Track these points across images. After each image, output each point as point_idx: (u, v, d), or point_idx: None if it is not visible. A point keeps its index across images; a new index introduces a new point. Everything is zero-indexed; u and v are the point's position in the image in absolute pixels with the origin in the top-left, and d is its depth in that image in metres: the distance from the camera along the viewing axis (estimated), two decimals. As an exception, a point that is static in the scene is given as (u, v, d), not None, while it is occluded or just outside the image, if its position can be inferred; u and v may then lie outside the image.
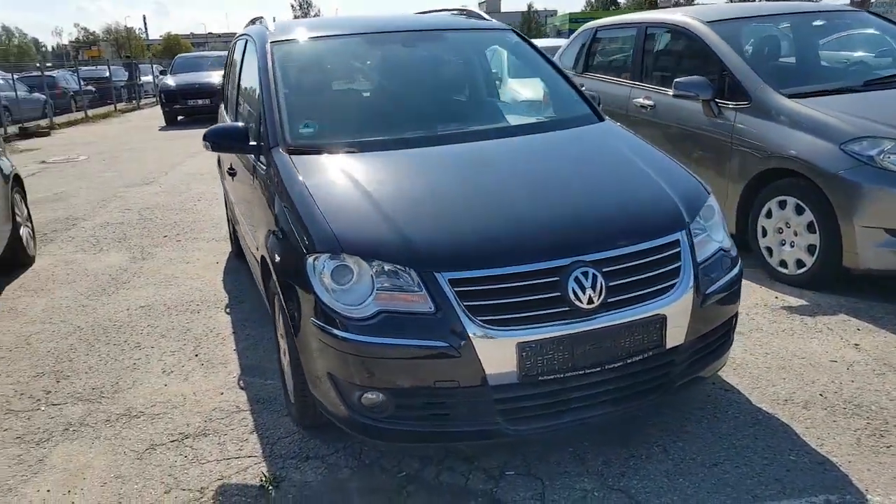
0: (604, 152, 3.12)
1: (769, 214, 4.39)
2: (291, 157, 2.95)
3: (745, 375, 3.19)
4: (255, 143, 3.22)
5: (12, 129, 16.42)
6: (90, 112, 21.67)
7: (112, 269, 5.36)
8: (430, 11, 4.75)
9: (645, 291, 2.43)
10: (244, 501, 2.50)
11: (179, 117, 17.69)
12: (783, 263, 4.34)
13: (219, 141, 3.27)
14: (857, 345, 3.43)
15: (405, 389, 2.34)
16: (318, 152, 3.00)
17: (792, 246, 4.27)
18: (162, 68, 25.02)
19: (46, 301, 4.69)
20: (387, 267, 2.34)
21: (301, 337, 2.52)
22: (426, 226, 2.46)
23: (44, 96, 19.94)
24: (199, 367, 3.60)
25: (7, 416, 3.17)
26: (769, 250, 4.43)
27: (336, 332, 2.32)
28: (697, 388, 3.03)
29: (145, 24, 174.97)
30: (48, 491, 2.60)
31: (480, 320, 2.27)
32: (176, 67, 19.35)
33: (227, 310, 4.39)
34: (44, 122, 18.14)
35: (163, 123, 17.49)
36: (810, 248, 4.15)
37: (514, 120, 3.50)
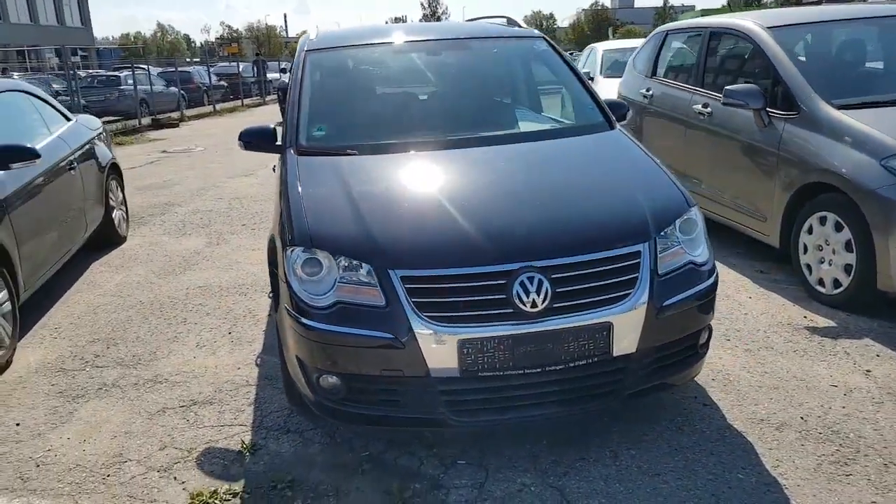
0: (594, 161, 3.17)
1: (811, 230, 4.22)
2: (300, 157, 3.23)
3: (731, 391, 3.14)
4: (280, 143, 3.52)
5: (146, 121, 18.03)
6: (219, 106, 23.37)
7: (187, 252, 5.91)
8: (477, 18, 4.91)
9: (594, 299, 2.50)
10: (221, 463, 2.80)
11: (294, 113, 18.69)
12: (821, 282, 4.16)
13: (250, 140, 3.60)
14: (868, 371, 3.28)
15: (356, 375, 2.55)
16: (324, 154, 3.26)
17: (830, 264, 4.09)
18: (284, 66, 26.51)
19: (122, 277, 5.27)
20: (351, 262, 2.55)
21: (280, 322, 2.79)
22: (390, 226, 2.65)
23: (178, 90, 21.68)
24: (228, 343, 3.97)
25: (58, 374, 3.66)
26: (809, 268, 4.26)
27: (302, 319, 2.56)
28: (672, 397, 3.06)
29: (286, 22, 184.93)
30: (68, 438, 3.03)
31: (426, 316, 2.43)
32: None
33: (271, 294, 4.75)
34: (175, 115, 19.78)
35: (280, 119, 18.55)
36: (847, 268, 3.96)
37: (525, 127, 3.60)
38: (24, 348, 4.01)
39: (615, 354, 2.54)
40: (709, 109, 5.24)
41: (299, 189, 2.93)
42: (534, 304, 2.44)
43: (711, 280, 2.76)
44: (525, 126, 3.59)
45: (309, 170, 3.10)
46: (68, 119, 5.71)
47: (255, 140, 3.59)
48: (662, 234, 2.69)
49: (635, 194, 2.83)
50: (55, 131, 5.22)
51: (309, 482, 2.65)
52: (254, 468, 2.76)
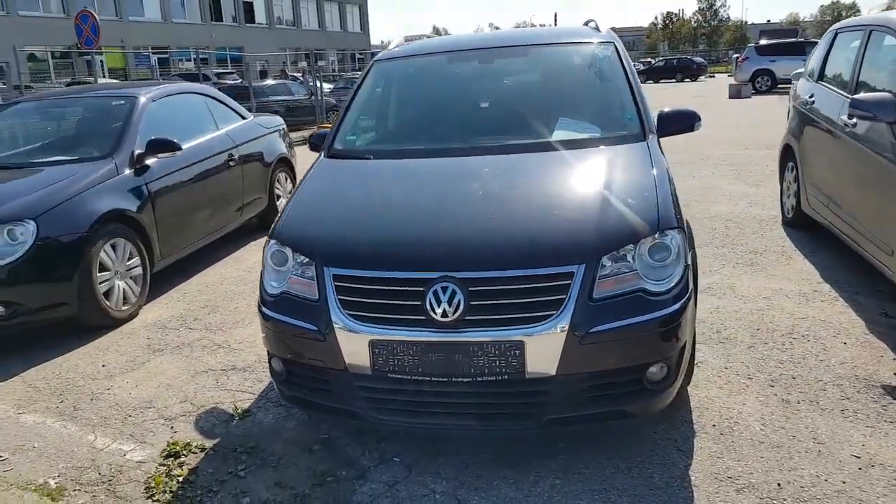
0: (585, 175, 2.99)
1: (930, 271, 3.49)
2: (327, 160, 3.54)
3: (723, 442, 2.79)
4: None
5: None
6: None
7: (328, 239, 6.56)
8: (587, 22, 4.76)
9: (508, 316, 2.45)
10: (212, 421, 3.22)
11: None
12: (936, 335, 3.42)
13: (314, 142, 3.98)
14: (919, 448, 2.68)
15: (290, 360, 2.79)
16: (348, 157, 3.52)
17: (946, 314, 3.35)
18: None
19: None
20: (303, 258, 2.79)
21: None
22: (339, 227, 2.83)
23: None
24: (297, 323, 4.42)
25: (159, 330, 4.41)
26: (926, 316, 3.52)
27: (261, 307, 2.87)
28: (652, 436, 2.84)
29: (555, 20, 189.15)
30: (127, 382, 3.68)
31: (347, 314, 2.58)
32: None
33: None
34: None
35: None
36: (962, 321, 3.22)
37: (556, 136, 3.49)
38: (154, 306, 4.87)
39: (529, 376, 2.45)
40: (853, 121, 4.50)
41: (300, 189, 3.24)
42: (444, 314, 2.46)
43: (664, 312, 2.50)
44: (557, 135, 3.47)
45: (321, 172, 3.39)
46: (243, 118, 6.66)
47: (316, 142, 3.94)
48: (615, 255, 2.52)
49: (597, 213, 2.67)
50: (222, 128, 6.14)
51: (264, 451, 2.95)
52: (234, 431, 3.14)
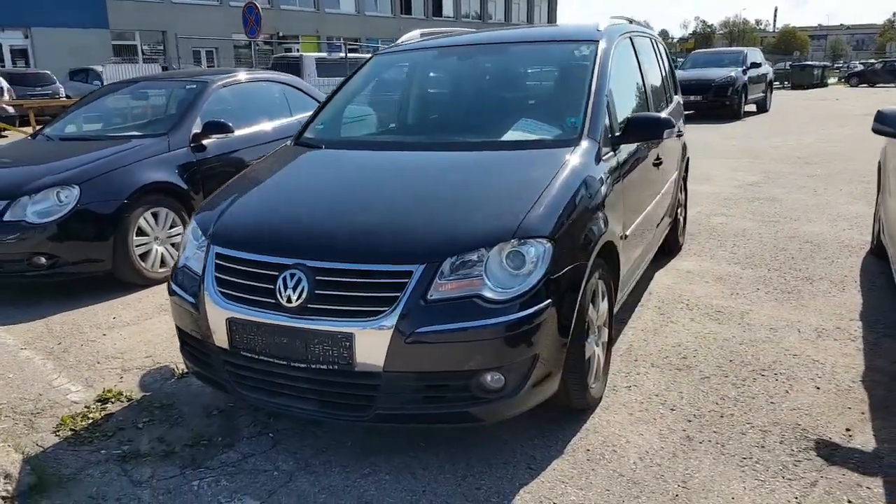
0: (482, 177, 2.92)
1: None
2: (285, 147, 3.75)
3: (579, 468, 2.63)
4: None
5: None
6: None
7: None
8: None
9: (344, 308, 2.51)
10: (155, 378, 3.58)
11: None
12: (917, 393, 2.90)
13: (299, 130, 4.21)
14: (797, 513, 2.34)
15: (178, 329, 3.04)
16: (307, 146, 3.70)
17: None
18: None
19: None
20: (203, 236, 3.01)
21: None
22: (235, 210, 3.02)
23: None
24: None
25: (179, 293, 4.89)
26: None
27: (169, 277, 3.14)
28: (522, 450, 2.75)
29: (775, 15, 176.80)
30: (120, 334, 4.17)
31: (218, 290, 2.78)
32: (690, 62, 19.88)
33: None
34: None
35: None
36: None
37: (507, 136, 3.41)
38: (195, 272, 5.39)
39: (358, 368, 2.49)
40: (909, 137, 3.86)
41: (239, 173, 3.48)
42: (289, 300, 2.57)
43: (500, 320, 2.41)
44: (506, 136, 3.38)
45: (268, 157, 3.61)
46: (324, 106, 7.07)
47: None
48: (464, 258, 2.48)
49: (455, 214, 2.65)
50: (296, 115, 6.57)
51: (175, 410, 3.24)
52: (165, 389, 3.46)
